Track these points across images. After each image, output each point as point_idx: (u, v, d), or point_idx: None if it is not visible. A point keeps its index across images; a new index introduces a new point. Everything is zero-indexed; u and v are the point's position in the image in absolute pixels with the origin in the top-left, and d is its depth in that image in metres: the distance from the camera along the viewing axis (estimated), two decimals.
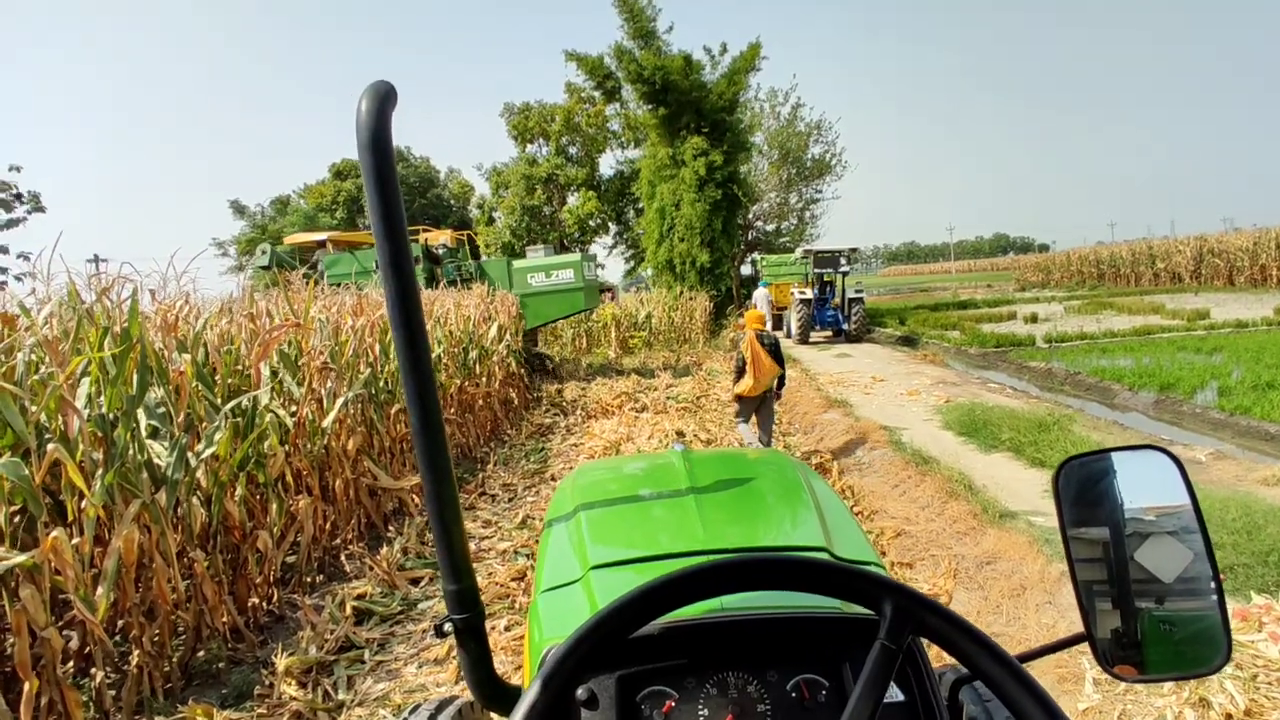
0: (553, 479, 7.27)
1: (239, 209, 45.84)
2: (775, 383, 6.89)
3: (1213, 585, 0.92)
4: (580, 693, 0.85)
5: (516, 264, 13.91)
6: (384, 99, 0.94)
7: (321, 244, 14.93)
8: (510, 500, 6.74)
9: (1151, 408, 9.17)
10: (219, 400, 4.28)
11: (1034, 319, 20.51)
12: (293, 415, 5.09)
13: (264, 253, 14.48)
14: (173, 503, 3.60)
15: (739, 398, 7.02)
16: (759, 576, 0.72)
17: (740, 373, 6.86)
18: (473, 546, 5.47)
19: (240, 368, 4.87)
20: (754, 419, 7.10)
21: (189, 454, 3.76)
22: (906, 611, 0.69)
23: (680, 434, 8.27)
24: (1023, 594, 4.10)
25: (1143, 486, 1.01)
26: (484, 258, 17.25)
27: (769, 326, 9.31)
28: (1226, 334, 14.53)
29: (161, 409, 3.80)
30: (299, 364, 5.38)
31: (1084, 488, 1.02)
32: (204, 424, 4.10)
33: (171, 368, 3.96)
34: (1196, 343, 13.40)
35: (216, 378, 4.51)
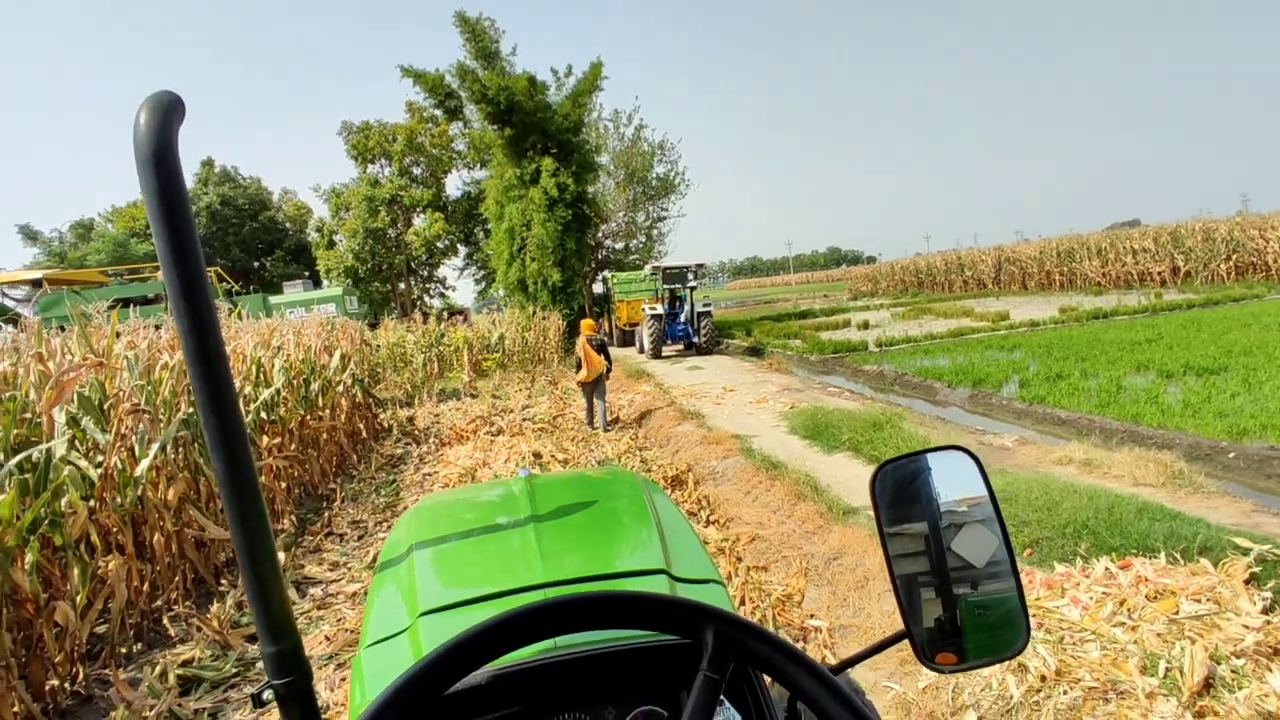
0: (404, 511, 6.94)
1: (30, 235, 40.50)
2: (605, 370, 9.83)
3: (1011, 571, 1.00)
4: None
5: (274, 299, 13.50)
6: (168, 111, 0.84)
7: (37, 283, 13.73)
8: (360, 539, 6.35)
9: (967, 402, 10.13)
10: (1, 455, 3.73)
11: (865, 325, 22.14)
12: (98, 466, 4.53)
13: None
14: None
15: (580, 383, 10.04)
16: (572, 618, 0.69)
17: (578, 367, 9.84)
18: (319, 592, 5.10)
19: (29, 416, 4.27)
20: (594, 397, 10.07)
21: None
22: (728, 639, 0.69)
23: (537, 455, 8.16)
24: (866, 585, 4.37)
25: (952, 483, 1.09)
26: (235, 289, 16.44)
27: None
28: (1023, 333, 16.38)
29: None
30: (104, 408, 4.81)
31: (900, 488, 1.08)
32: None
33: None
34: (1000, 341, 15.02)
35: None
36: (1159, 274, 27.17)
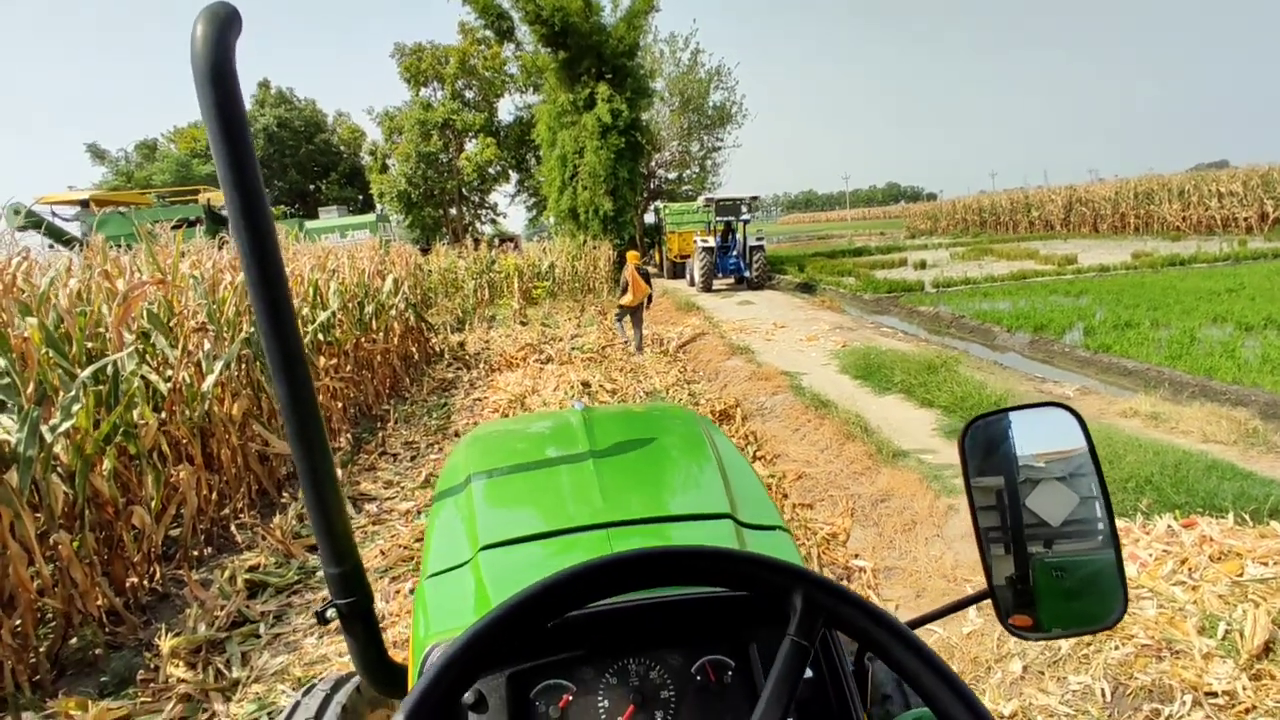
0: (456, 435, 7.10)
1: (98, 154, 41.60)
2: (646, 299, 10.64)
3: (1105, 530, 0.94)
4: (467, 696, 0.78)
5: (309, 225, 13.63)
6: (225, 24, 0.80)
7: (84, 204, 14.03)
8: (413, 459, 6.55)
9: (1027, 348, 9.81)
10: (75, 367, 3.89)
11: (923, 265, 21.44)
12: (167, 380, 4.71)
13: (16, 213, 12.94)
14: (27, 482, 3.27)
15: (622, 306, 10.74)
16: (660, 571, 0.66)
17: (624, 290, 10.49)
18: (374, 509, 5.29)
19: (102, 331, 4.44)
20: (629, 320, 10.90)
21: (43, 428, 3.41)
22: (818, 604, 0.65)
23: (585, 385, 8.22)
24: (913, 529, 4.33)
25: (1048, 440, 1.02)
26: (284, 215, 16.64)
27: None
28: (1091, 278, 15.65)
29: (5, 379, 3.42)
30: (171, 325, 4.97)
31: (990, 445, 1.03)
32: (60, 394, 3.73)
33: (14, 334, 3.56)
34: (1066, 286, 14.39)
35: (72, 344, 4.09)
36: (1245, 220, 25.49)
